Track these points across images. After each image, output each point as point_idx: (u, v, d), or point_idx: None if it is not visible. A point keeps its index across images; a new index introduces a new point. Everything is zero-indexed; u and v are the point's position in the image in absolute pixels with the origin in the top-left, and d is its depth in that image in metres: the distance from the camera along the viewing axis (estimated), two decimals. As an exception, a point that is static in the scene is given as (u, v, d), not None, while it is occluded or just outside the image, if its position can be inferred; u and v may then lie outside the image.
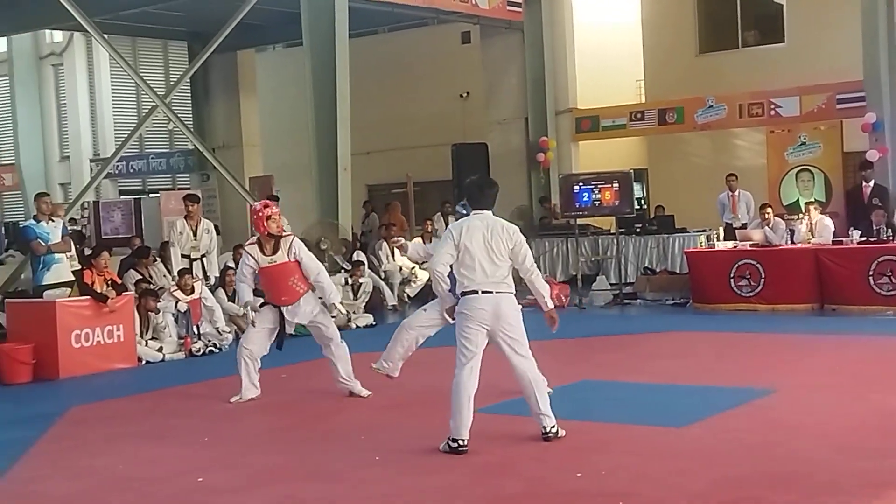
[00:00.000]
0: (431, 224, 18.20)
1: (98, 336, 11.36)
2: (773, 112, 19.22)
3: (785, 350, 10.84)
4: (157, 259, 14.35)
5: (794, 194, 18.03)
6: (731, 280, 14.18)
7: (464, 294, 7.05)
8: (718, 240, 15.22)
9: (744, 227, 15.97)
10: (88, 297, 11.41)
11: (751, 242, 14.55)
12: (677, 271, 16.66)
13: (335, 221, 16.69)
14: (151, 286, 13.10)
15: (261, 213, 8.95)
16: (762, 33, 21.59)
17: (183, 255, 13.54)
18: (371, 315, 14.82)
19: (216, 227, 15.17)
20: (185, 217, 13.72)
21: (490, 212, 7.30)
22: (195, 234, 13.55)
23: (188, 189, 23.27)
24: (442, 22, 21.95)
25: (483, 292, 7.00)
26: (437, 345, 12.27)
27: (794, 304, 13.72)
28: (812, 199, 16.51)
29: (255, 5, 17.07)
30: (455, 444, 6.83)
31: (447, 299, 7.33)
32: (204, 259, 13.52)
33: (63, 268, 12.11)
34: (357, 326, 14.31)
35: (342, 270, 15.58)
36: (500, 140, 21.42)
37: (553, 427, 7.04)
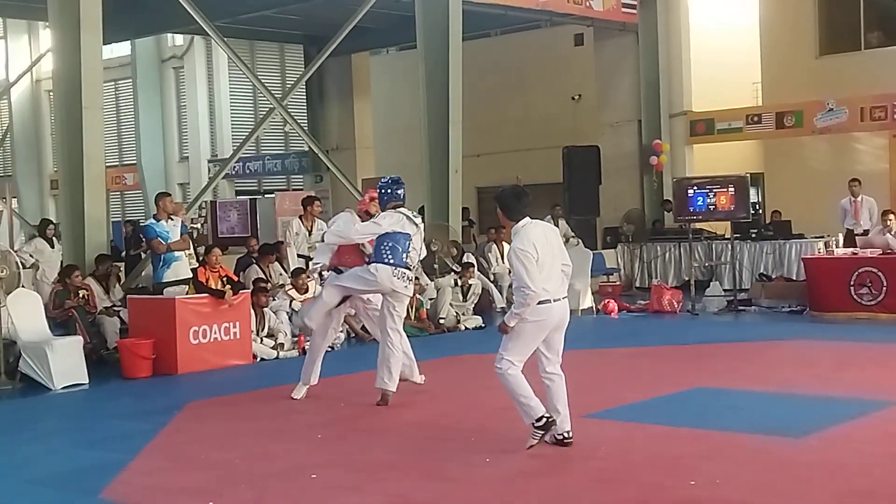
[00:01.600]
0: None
1: (215, 333, 11.60)
2: (896, 115, 18.65)
3: (907, 361, 10.50)
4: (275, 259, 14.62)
5: (917, 200, 17.46)
6: (851, 288, 13.78)
7: (540, 303, 6.97)
8: (837, 246, 14.82)
9: (866, 233, 15.52)
10: (205, 294, 11.66)
11: (872, 249, 14.12)
12: (794, 278, 16.29)
13: (445, 223, 16.76)
14: (268, 284, 13.33)
15: (367, 198, 9.45)
16: (886, 34, 20.95)
17: (300, 255, 13.75)
18: (480, 317, 14.84)
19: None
20: (301, 217, 13.93)
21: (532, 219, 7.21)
22: (310, 234, 13.73)
23: (302, 190, 23.67)
24: (555, 24, 21.89)
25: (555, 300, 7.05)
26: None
27: (917, 314, 13.27)
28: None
29: (370, 9, 17.25)
30: (541, 422, 6.94)
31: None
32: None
33: (182, 266, 12.39)
34: (466, 328, 14.34)
35: (452, 272, 15.63)
36: (612, 143, 21.26)
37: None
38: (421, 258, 9.52)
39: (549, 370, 7.22)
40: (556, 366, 7.24)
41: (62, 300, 12.01)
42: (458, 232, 16.98)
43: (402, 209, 9.07)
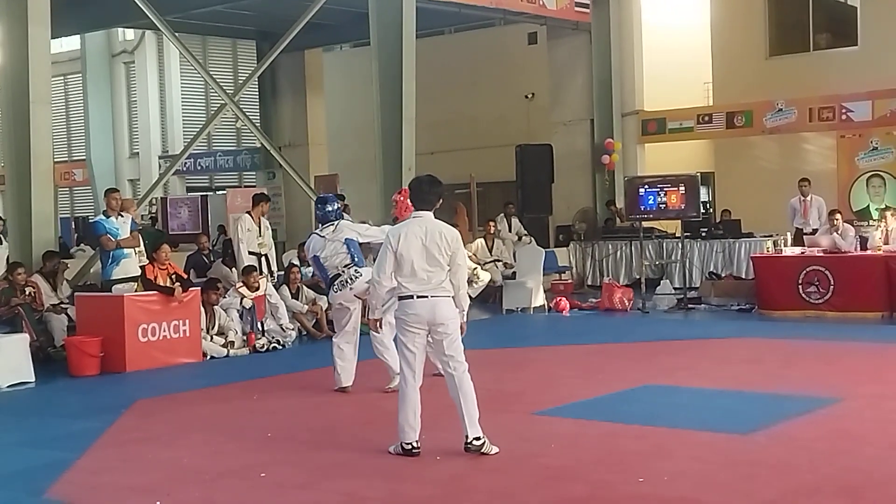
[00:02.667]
0: (494, 225, 18.15)
1: (164, 331, 11.51)
2: (844, 116, 18.91)
3: (853, 358, 10.63)
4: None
5: (864, 200, 17.72)
6: (800, 286, 13.95)
7: (402, 298, 6.98)
8: (786, 245, 14.99)
9: (815, 232, 15.71)
10: (154, 291, 11.55)
11: (819, 248, 14.31)
12: (743, 276, 16.46)
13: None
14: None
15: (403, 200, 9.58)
16: (834, 36, 21.25)
17: (251, 252, 13.65)
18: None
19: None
20: (250, 214, 13.79)
21: (430, 213, 7.11)
22: (260, 232, 13.66)
23: (255, 187, 23.53)
24: (508, 23, 21.94)
25: (419, 297, 6.91)
26: (486, 346, 12.35)
27: (864, 312, 13.45)
28: (885, 206, 16.20)
29: (323, 5, 17.19)
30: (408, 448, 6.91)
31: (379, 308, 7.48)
32: (267, 256, 13.60)
33: (131, 263, 12.25)
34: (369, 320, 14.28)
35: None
36: (565, 141, 21.35)
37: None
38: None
39: (446, 372, 7.12)
40: (456, 365, 7.04)
41: (8, 297, 11.84)
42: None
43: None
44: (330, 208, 9.57)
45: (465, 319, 7.16)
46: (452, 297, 7.00)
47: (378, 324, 7.60)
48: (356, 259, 9.29)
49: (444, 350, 6.99)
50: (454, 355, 7.01)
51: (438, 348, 7.02)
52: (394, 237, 6.98)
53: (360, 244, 9.56)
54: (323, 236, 9.44)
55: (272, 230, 14.07)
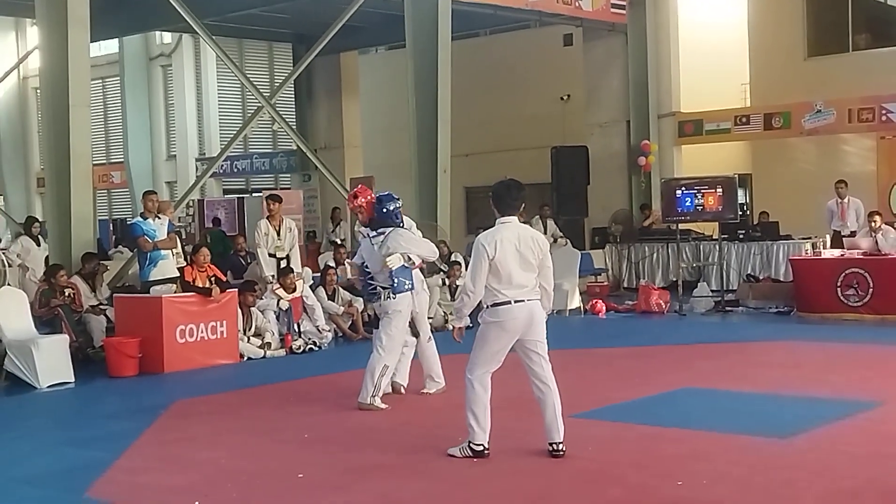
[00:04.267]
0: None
1: (202, 332, 11.58)
2: (884, 117, 18.69)
3: (893, 361, 10.53)
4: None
5: (904, 202, 17.52)
6: (838, 289, 13.82)
7: (497, 304, 6.94)
8: (825, 247, 14.85)
9: (853, 234, 15.56)
10: (192, 293, 11.63)
11: (859, 251, 14.16)
12: (781, 279, 16.32)
13: (434, 223, 16.74)
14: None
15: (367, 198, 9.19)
16: (873, 36, 21.03)
17: (269, 255, 13.69)
18: (468, 317, 14.78)
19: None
20: (268, 217, 13.80)
21: (517, 218, 7.11)
22: (279, 234, 13.69)
23: (290, 189, 23.63)
24: (544, 24, 21.88)
25: (516, 301, 6.89)
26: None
27: (904, 315, 13.31)
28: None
29: (359, 8, 17.22)
30: (479, 448, 6.86)
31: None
32: (289, 257, 13.63)
33: (169, 264, 12.35)
34: (454, 328, 14.28)
35: (440, 272, 15.61)
36: (601, 143, 21.27)
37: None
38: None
39: (535, 378, 7.09)
40: (545, 372, 7.07)
41: (48, 299, 11.96)
42: (447, 231, 16.97)
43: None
44: (390, 208, 9.02)
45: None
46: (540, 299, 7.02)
47: (462, 332, 7.40)
48: (395, 285, 8.84)
49: (538, 351, 7.04)
50: (544, 356, 7.06)
51: (528, 350, 7.04)
52: (489, 245, 6.86)
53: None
54: (373, 245, 8.96)
55: (295, 231, 13.99)
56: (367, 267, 9.07)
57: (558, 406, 6.99)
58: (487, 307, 7.03)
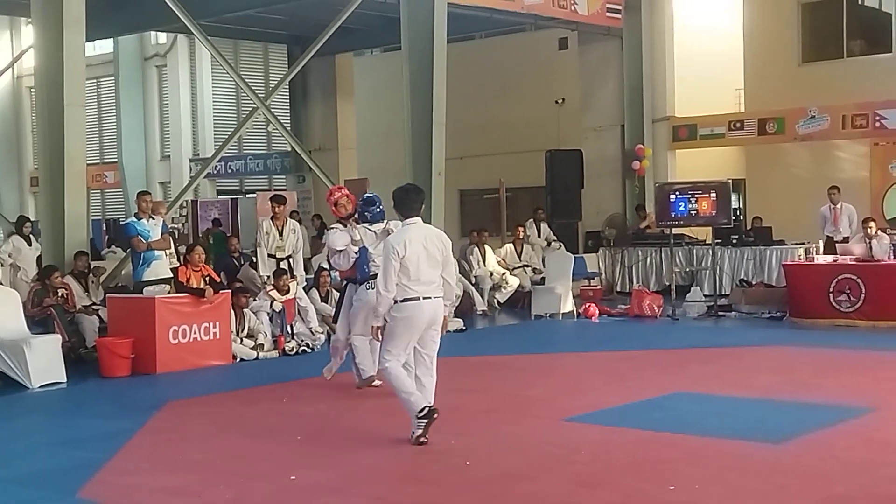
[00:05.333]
0: (523, 230, 18.12)
1: (195, 333, 11.55)
2: (877, 124, 18.76)
3: (886, 368, 10.54)
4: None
5: (897, 208, 17.56)
6: (831, 295, 13.85)
7: (406, 300, 7.36)
8: (818, 253, 14.88)
9: (845, 240, 15.59)
10: (185, 293, 11.61)
11: (852, 256, 14.20)
12: (774, 284, 16.34)
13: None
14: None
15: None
16: (868, 43, 21.07)
17: (269, 256, 13.68)
18: (461, 320, 14.82)
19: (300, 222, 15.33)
20: (272, 218, 13.82)
21: (420, 218, 7.63)
22: (281, 235, 13.68)
23: (284, 190, 23.62)
24: (539, 28, 21.90)
25: (424, 298, 7.38)
26: (515, 352, 12.34)
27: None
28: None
29: (355, 10, 17.23)
30: (423, 412, 7.26)
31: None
32: (290, 259, 13.63)
33: (162, 265, 12.34)
34: (448, 331, 14.27)
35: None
36: (595, 147, 21.29)
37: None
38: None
39: (420, 373, 7.59)
40: (430, 370, 7.63)
41: (41, 298, 11.94)
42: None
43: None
44: (379, 209, 9.72)
45: (451, 312, 7.65)
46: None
47: (379, 332, 7.67)
48: None
49: (434, 341, 7.59)
50: (436, 346, 7.66)
51: (428, 341, 7.55)
52: (399, 245, 7.33)
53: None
54: (374, 231, 9.56)
55: (299, 234, 14.02)
56: (371, 256, 9.46)
57: (432, 389, 7.62)
58: (396, 302, 7.39)
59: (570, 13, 19.91)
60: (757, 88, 21.65)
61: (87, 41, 13.87)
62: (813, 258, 14.71)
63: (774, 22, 21.53)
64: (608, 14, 20.62)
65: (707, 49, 22.08)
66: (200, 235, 19.49)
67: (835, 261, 14.32)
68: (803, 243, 16.62)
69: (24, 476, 6.93)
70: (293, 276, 13.27)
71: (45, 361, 10.61)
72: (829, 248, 15.40)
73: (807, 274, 14.37)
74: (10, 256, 14.84)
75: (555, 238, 18.80)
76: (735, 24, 22.20)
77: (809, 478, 6.35)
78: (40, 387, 10.44)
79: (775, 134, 20.04)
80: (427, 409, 7.25)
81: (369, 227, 9.65)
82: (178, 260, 13.10)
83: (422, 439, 7.21)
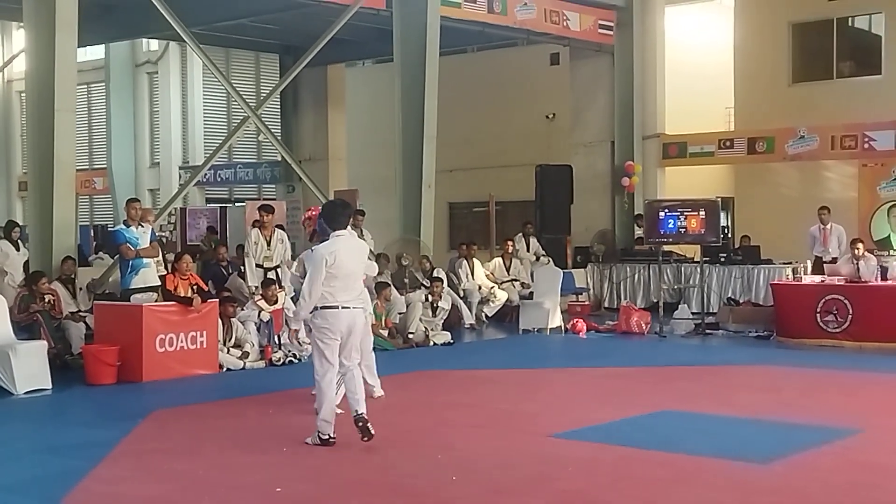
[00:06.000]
0: (512, 244, 18.14)
1: (182, 342, 11.51)
2: (866, 145, 18.85)
3: (873, 389, 10.56)
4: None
5: (885, 230, 17.64)
6: (818, 315, 13.87)
7: (325, 308, 7.69)
8: (805, 273, 14.92)
9: (834, 261, 15.64)
10: (173, 302, 11.58)
11: (839, 277, 14.24)
12: (761, 303, 16.37)
13: (417, 238, 16.75)
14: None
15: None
16: (858, 64, 21.21)
17: (257, 265, 13.66)
18: (449, 333, 14.81)
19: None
20: (260, 227, 13.82)
21: (347, 231, 8.07)
22: (269, 244, 13.67)
23: (273, 200, 23.57)
24: (532, 43, 21.95)
25: (343, 307, 7.74)
26: (502, 367, 12.33)
27: (883, 343, 13.31)
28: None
29: (347, 21, 17.24)
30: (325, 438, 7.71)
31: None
32: (278, 269, 13.61)
33: (150, 272, 12.29)
34: (435, 343, 14.31)
35: (422, 287, 15.61)
36: (585, 163, 21.34)
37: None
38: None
39: (342, 369, 7.87)
40: (353, 363, 7.89)
41: (27, 304, 11.89)
42: (430, 247, 16.97)
43: None
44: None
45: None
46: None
47: (297, 335, 8.44)
48: None
49: (359, 348, 7.98)
50: (359, 354, 8.04)
51: (350, 349, 7.84)
52: (328, 255, 7.68)
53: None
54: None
55: (287, 244, 14.01)
56: None
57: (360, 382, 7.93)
58: (317, 309, 7.69)
59: (562, 29, 19.99)
60: (747, 107, 21.76)
61: (78, 46, 13.83)
62: (801, 278, 14.74)
63: (765, 42, 21.65)
64: (600, 31, 20.73)
65: (698, 67, 22.20)
66: (202, 240, 19.34)
67: (822, 281, 14.36)
68: (791, 263, 16.65)
69: (8, 483, 6.88)
70: (281, 287, 13.24)
71: (30, 367, 10.56)
72: (818, 268, 15.44)
73: (794, 294, 14.39)
74: (-4, 261, 14.75)
75: (543, 253, 18.82)
76: (726, 43, 22.33)
77: (795, 499, 6.35)
78: (25, 393, 10.38)
79: (765, 153, 20.12)
80: (328, 438, 7.69)
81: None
82: (166, 268, 13.06)
83: (308, 441, 7.76)
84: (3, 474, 7.15)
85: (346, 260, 7.75)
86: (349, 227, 9.12)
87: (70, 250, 13.40)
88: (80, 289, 13.04)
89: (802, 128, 19.52)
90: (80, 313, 12.47)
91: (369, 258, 9.51)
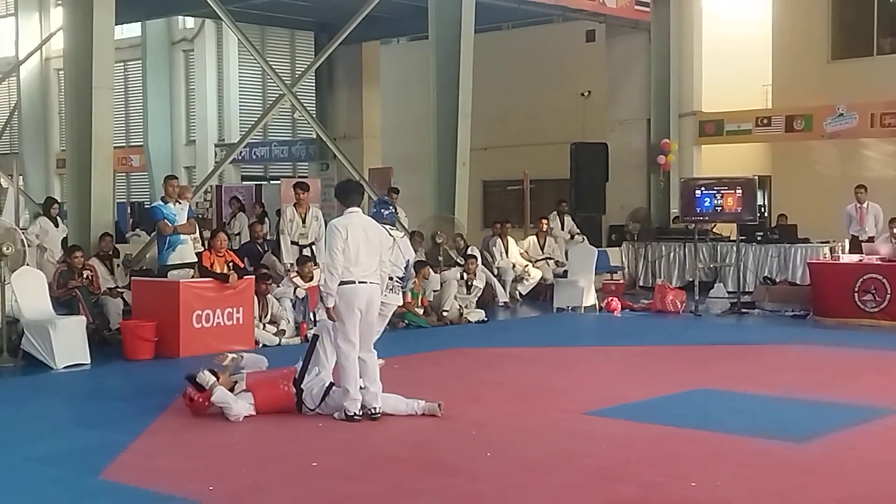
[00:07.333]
0: (547, 223, 18.10)
1: (218, 318, 11.59)
2: (906, 123, 18.59)
3: (911, 369, 10.48)
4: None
5: (925, 209, 17.35)
6: (856, 294, 13.75)
7: (343, 284, 7.82)
8: (843, 252, 14.79)
9: (871, 240, 15.48)
10: (210, 278, 11.66)
11: (878, 256, 14.10)
12: (798, 282, 16.25)
13: (451, 216, 16.74)
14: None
15: None
16: (899, 40, 20.91)
17: (292, 243, 13.72)
18: (483, 311, 14.83)
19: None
20: (295, 204, 13.87)
21: (360, 210, 8.26)
22: (304, 222, 13.71)
23: (307, 177, 23.65)
24: (567, 20, 21.82)
25: (360, 282, 7.85)
26: (537, 344, 12.34)
27: (922, 322, 13.23)
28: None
29: (383, -2, 17.20)
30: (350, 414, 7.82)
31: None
32: (313, 246, 13.67)
33: (187, 249, 12.39)
34: (469, 321, 14.33)
35: (456, 265, 15.62)
36: (621, 140, 21.21)
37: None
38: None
39: (361, 353, 7.91)
40: (368, 347, 7.97)
41: (66, 280, 12.02)
42: (464, 225, 16.96)
43: None
44: (389, 211, 9.48)
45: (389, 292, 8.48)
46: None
47: (334, 312, 8.06)
48: (405, 277, 9.35)
49: (371, 323, 8.01)
50: (373, 334, 8.11)
51: (365, 327, 7.92)
52: (342, 228, 7.89)
53: None
54: (392, 237, 9.32)
55: (321, 221, 14.04)
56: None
57: (376, 372, 7.98)
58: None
59: (598, 5, 19.83)
60: (785, 85, 21.50)
61: (115, 24, 13.90)
62: (838, 257, 14.62)
63: (804, 18, 21.37)
64: (636, 7, 20.55)
65: (735, 44, 21.92)
66: (255, 214, 19.36)
67: (860, 260, 14.23)
68: (828, 242, 16.51)
69: (49, 455, 6.99)
70: (316, 264, 13.30)
71: (69, 342, 10.69)
72: (855, 247, 15.30)
73: (832, 273, 14.28)
74: (37, 237, 14.92)
75: (578, 231, 18.77)
76: (764, 19, 22.05)
77: (831, 477, 6.32)
78: (64, 367, 10.52)
79: (803, 131, 19.89)
80: (354, 414, 7.77)
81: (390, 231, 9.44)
82: (203, 245, 13.15)
83: (335, 416, 7.84)
84: (43, 447, 7.26)
85: (358, 236, 7.88)
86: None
87: (108, 227, 13.52)
88: (118, 265, 13.16)
89: (841, 105, 19.28)
90: (118, 289, 12.59)
91: (402, 237, 9.54)
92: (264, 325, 12.28)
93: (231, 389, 8.09)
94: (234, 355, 8.49)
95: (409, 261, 9.40)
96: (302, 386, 8.06)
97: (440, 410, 7.93)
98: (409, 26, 21.82)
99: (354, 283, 7.84)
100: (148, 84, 30.00)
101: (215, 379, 8.03)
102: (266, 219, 18.72)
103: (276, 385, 8.12)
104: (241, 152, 25.59)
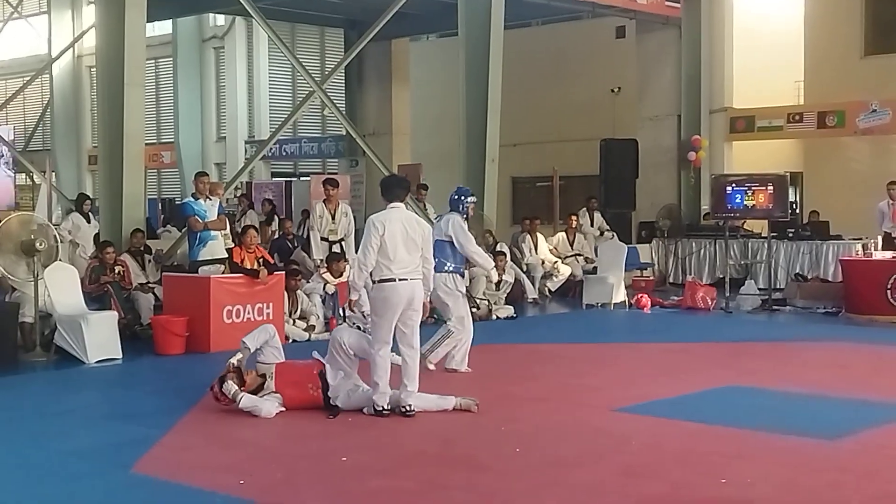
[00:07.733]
0: (576, 219, 18.06)
1: (248, 313, 11.62)
2: (940, 119, 18.42)
3: (944, 367, 10.38)
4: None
5: (958, 205, 17.17)
6: (888, 292, 13.63)
7: (382, 281, 7.73)
8: (876, 249, 14.66)
9: (903, 236, 15.34)
10: (240, 274, 11.71)
11: (911, 253, 13.98)
12: (830, 279, 16.13)
13: (480, 212, 16.72)
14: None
15: None
16: (933, 36, 20.70)
17: (322, 239, 13.76)
18: (512, 307, 14.81)
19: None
20: (324, 201, 13.92)
21: (403, 205, 8.12)
22: (334, 218, 13.75)
23: (337, 174, 23.72)
24: (597, 16, 21.78)
25: (400, 280, 7.73)
26: (566, 341, 12.31)
27: (955, 320, 13.10)
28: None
29: (412, -5, 17.22)
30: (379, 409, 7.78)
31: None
32: (342, 243, 13.70)
33: (218, 245, 12.46)
34: (498, 318, 14.33)
35: (487, 261, 15.59)
36: (651, 137, 21.14)
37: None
38: None
39: (403, 347, 7.91)
40: (412, 342, 7.92)
41: (98, 275, 12.11)
42: (493, 221, 16.95)
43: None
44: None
45: (429, 299, 8.20)
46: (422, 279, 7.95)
47: (357, 304, 8.19)
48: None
49: (412, 320, 7.87)
50: (417, 331, 7.96)
51: (406, 320, 7.84)
52: (379, 223, 7.79)
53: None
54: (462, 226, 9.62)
55: (351, 217, 14.08)
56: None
57: (416, 371, 7.91)
58: (374, 283, 7.74)
59: (628, 1, 19.81)
60: (817, 80, 21.35)
61: (146, 22, 13.99)
62: (871, 254, 14.50)
63: (836, 13, 21.20)
64: (667, 3, 20.49)
65: (766, 39, 21.79)
66: (264, 212, 19.44)
67: (893, 257, 14.11)
68: (861, 238, 16.38)
69: (82, 449, 7.05)
70: (346, 260, 13.34)
71: (101, 337, 10.77)
72: (888, 244, 15.17)
73: (864, 270, 14.17)
74: (69, 233, 15.06)
75: (608, 227, 18.72)
76: (796, 14, 21.89)
77: (863, 475, 6.27)
78: (96, 362, 10.60)
79: (835, 127, 19.78)
80: (383, 409, 7.76)
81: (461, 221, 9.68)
82: (234, 241, 13.22)
83: (364, 411, 7.82)
84: (75, 441, 7.32)
85: (396, 231, 7.76)
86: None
87: (139, 223, 13.62)
88: (149, 261, 13.26)
89: (874, 101, 19.13)
90: (150, 284, 12.68)
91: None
92: (294, 321, 12.33)
93: (260, 387, 8.12)
94: (239, 355, 8.44)
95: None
96: (328, 393, 8.06)
97: (475, 407, 7.92)
98: (439, 23, 21.83)
99: (394, 280, 7.74)
100: (179, 81, 30.19)
101: (237, 388, 8.02)
102: (275, 216, 18.77)
103: (304, 388, 8.13)
104: (270, 149, 25.69)
